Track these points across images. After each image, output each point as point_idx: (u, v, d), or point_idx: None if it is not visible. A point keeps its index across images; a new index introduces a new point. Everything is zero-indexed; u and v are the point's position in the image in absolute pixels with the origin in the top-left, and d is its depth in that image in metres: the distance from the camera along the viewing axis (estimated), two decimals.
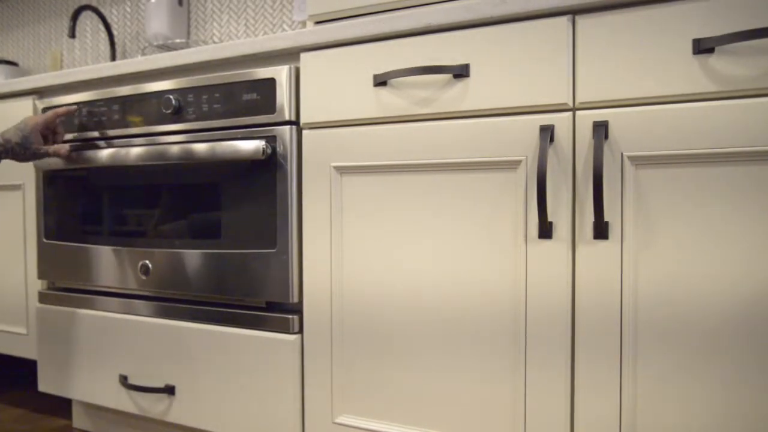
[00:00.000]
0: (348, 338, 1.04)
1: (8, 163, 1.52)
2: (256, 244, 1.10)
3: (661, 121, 0.81)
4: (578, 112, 0.86)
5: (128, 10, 2.17)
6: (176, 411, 1.22)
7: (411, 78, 0.97)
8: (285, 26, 1.83)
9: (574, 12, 0.87)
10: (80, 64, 2.31)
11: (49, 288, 1.46)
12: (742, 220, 0.77)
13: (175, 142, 1.20)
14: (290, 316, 1.09)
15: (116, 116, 1.28)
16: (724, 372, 0.79)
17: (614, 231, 0.84)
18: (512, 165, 0.91)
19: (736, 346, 0.78)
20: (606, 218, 0.84)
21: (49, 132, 1.27)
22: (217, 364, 1.16)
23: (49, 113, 1.25)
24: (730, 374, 0.79)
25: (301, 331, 1.09)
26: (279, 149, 1.08)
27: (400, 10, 1.14)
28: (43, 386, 1.43)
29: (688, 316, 0.81)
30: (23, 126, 1.21)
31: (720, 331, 0.79)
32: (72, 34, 1.97)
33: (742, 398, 0.78)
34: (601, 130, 0.83)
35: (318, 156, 1.06)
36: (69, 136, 1.34)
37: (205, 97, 1.16)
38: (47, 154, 1.23)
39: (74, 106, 1.30)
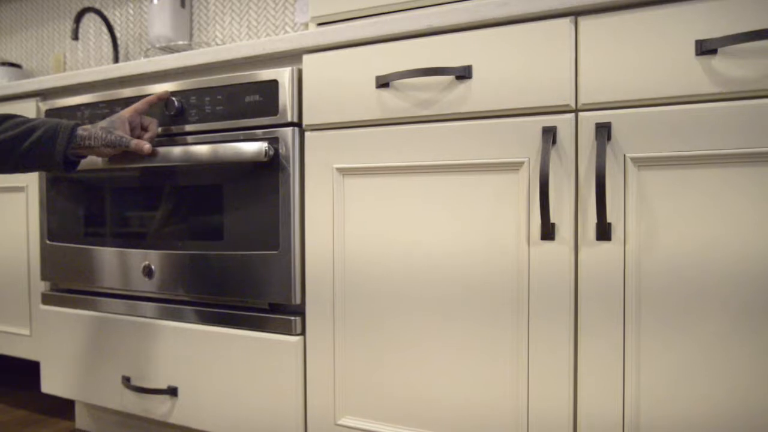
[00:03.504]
0: (351, 340, 1.04)
1: None
2: (259, 246, 1.10)
3: (664, 123, 0.81)
4: (581, 114, 0.86)
5: (131, 12, 2.17)
6: (179, 412, 1.22)
7: (413, 80, 0.97)
8: (287, 28, 1.83)
9: (576, 13, 0.87)
10: (83, 66, 2.31)
11: (52, 289, 1.46)
12: (746, 223, 0.77)
13: (178, 143, 1.20)
14: (293, 318, 1.09)
15: None
16: (725, 368, 0.79)
17: (617, 232, 0.84)
18: (514, 167, 0.90)
19: (742, 341, 0.78)
20: (609, 220, 0.84)
21: (137, 125, 1.15)
22: (220, 366, 1.16)
23: (141, 101, 1.14)
24: (729, 369, 0.79)
25: (303, 332, 1.10)
26: (281, 151, 1.08)
27: (402, 12, 1.14)
28: (46, 387, 1.43)
29: (692, 317, 0.80)
30: (113, 116, 1.11)
31: (725, 329, 0.79)
32: (75, 36, 1.97)
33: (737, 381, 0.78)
34: (603, 131, 0.83)
35: (320, 157, 1.06)
36: None
37: (207, 98, 1.16)
38: (127, 146, 1.09)
39: (166, 91, 1.18)
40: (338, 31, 1.03)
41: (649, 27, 0.82)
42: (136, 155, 1.13)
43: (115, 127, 1.09)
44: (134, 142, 1.10)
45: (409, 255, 0.99)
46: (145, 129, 1.17)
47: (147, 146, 1.10)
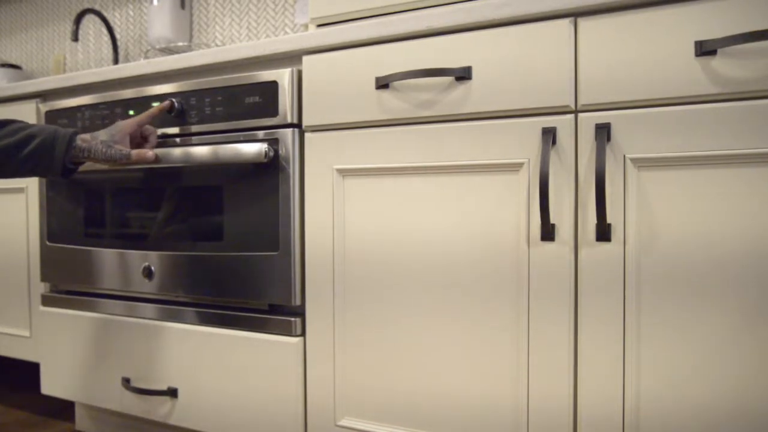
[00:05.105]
0: (351, 341, 1.04)
1: None
2: (259, 247, 1.10)
3: (664, 123, 0.81)
4: (580, 114, 0.86)
5: (131, 13, 2.17)
6: (179, 413, 1.22)
7: (413, 81, 0.97)
8: (287, 29, 1.83)
9: (576, 14, 0.87)
10: (83, 68, 2.31)
11: (52, 291, 1.46)
12: (747, 223, 0.77)
13: (178, 145, 1.20)
14: (293, 319, 1.09)
15: (119, 119, 1.28)
16: (724, 366, 0.79)
17: (617, 233, 0.84)
18: (514, 167, 0.91)
19: (742, 341, 0.78)
20: (608, 220, 0.84)
21: (137, 135, 1.15)
22: (220, 367, 1.16)
23: (143, 114, 1.13)
24: (728, 368, 0.79)
25: (303, 333, 1.09)
26: (281, 152, 1.08)
27: (402, 13, 1.14)
28: (46, 389, 1.43)
29: (692, 317, 0.80)
30: (112, 126, 1.09)
31: (724, 329, 0.79)
32: (75, 38, 1.98)
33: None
34: (603, 132, 0.83)
35: (320, 158, 1.06)
36: None
37: (207, 100, 1.16)
38: (129, 158, 1.08)
39: (167, 102, 1.18)
40: (338, 32, 1.03)
41: (649, 28, 0.82)
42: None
43: (116, 140, 1.07)
44: (135, 153, 1.08)
45: (408, 256, 0.99)
46: (144, 138, 1.17)
47: (150, 154, 1.09)
